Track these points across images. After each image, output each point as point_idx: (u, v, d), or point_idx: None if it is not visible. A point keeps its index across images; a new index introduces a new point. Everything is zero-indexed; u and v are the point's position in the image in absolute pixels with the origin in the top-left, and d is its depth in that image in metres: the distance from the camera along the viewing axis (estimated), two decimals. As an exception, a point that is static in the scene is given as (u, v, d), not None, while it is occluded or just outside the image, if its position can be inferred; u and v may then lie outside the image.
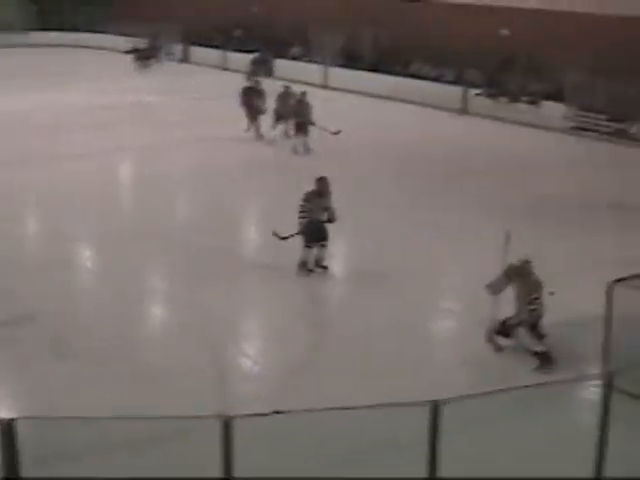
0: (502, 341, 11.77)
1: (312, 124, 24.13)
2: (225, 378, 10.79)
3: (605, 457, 6.81)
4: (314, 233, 14.53)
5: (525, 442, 9.37)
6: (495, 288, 11.89)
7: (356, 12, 36.98)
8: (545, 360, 11.47)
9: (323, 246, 14.70)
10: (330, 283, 14.83)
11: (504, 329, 11.86)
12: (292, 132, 25.02)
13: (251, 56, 38.81)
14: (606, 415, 6.71)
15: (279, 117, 25.57)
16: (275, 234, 14.64)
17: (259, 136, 25.74)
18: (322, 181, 14.64)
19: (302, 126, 24.15)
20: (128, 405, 9.64)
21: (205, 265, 15.11)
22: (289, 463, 8.63)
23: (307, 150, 24.16)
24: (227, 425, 6.37)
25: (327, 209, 14.57)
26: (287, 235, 14.48)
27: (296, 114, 24.51)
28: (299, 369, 11.42)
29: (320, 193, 14.54)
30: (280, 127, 25.63)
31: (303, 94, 24.72)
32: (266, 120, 25.59)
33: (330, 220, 14.63)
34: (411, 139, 26.35)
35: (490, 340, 11.87)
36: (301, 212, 14.51)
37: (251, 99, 25.93)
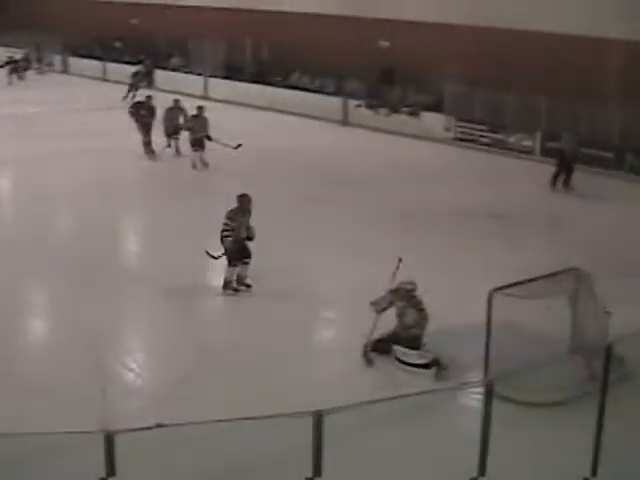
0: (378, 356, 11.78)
1: (209, 139, 23.65)
2: (108, 393, 10.50)
3: (486, 462, 6.83)
4: (239, 251, 14.27)
5: (408, 450, 9.41)
6: (379, 306, 11.95)
7: (236, 24, 36.84)
8: (437, 365, 11.54)
9: (246, 264, 14.42)
10: (211, 297, 14.69)
11: (380, 346, 11.91)
12: (181, 148, 24.83)
13: (133, 68, 37.99)
14: (487, 421, 6.72)
15: (168, 133, 24.95)
16: (208, 253, 14.30)
17: (150, 151, 25.00)
18: (244, 198, 14.35)
19: (198, 141, 23.69)
20: (9, 421, 9.30)
21: (88, 280, 14.85)
22: (173, 477, 8.46)
23: (205, 165, 23.76)
24: (109, 439, 6.19)
25: (248, 227, 14.29)
26: (218, 255, 14.17)
27: (192, 129, 23.90)
28: (183, 383, 11.26)
29: (243, 210, 14.25)
30: (172, 142, 25.04)
31: (200, 109, 24.28)
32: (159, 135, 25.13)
33: (250, 238, 14.35)
34: (291, 150, 26.36)
35: (364, 355, 11.88)
36: (225, 230, 14.15)
37: (139, 114, 25.33)
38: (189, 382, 11.26)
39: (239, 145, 23.23)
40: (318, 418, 6.12)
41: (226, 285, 14.38)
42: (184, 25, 39.05)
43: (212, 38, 37.33)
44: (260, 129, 29.28)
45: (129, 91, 35.09)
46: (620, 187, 22.36)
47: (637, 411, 9.49)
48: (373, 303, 12.00)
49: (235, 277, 14.40)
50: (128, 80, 36.24)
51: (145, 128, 25.04)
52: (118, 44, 43.33)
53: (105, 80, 41.67)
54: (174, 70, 39.69)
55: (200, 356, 12.04)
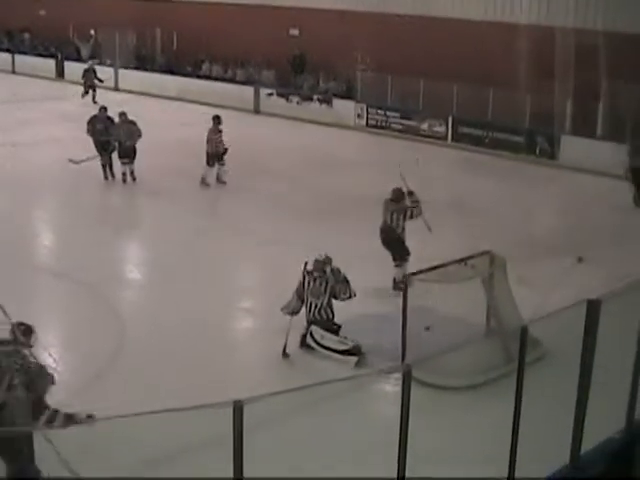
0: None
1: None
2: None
3: (407, 446, 6.88)
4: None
5: (329, 436, 9.46)
6: (288, 309, 11.98)
7: (145, 14, 36.46)
8: (358, 352, 11.62)
9: None
10: (129, 289, 14.60)
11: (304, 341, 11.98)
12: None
13: (85, 65, 35.12)
14: (406, 407, 6.78)
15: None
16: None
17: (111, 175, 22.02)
18: None
19: (128, 151, 21.42)
20: None
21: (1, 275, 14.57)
22: (97, 471, 8.38)
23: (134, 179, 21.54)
24: (29, 435, 6.12)
25: None
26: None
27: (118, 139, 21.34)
28: (102, 376, 11.15)
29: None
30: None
31: (123, 115, 21.64)
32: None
33: None
34: (201, 140, 26.13)
35: (284, 354, 11.84)
36: None
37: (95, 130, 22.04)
38: (108, 376, 11.18)
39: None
40: (238, 407, 6.11)
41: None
42: (93, 16, 38.48)
43: (122, 29, 36.91)
44: (171, 120, 29.08)
45: (86, 92, 33.37)
46: (531, 169, 22.74)
47: (554, 391, 9.64)
48: (283, 308, 12.02)
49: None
50: (78, 78, 34.27)
51: (102, 147, 21.46)
52: (27, 36, 42.52)
53: (14, 73, 40.82)
54: (85, 61, 39.10)
55: (119, 349, 11.94)
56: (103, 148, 21.29)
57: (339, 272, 11.94)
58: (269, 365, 11.57)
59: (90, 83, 33.27)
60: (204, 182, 20.81)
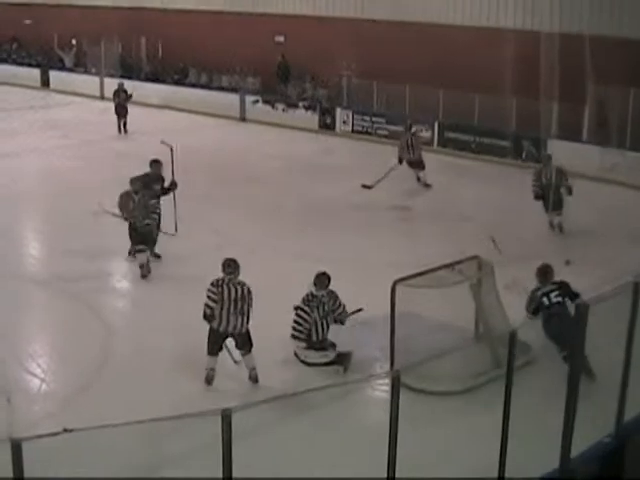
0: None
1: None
2: (12, 399, 10.31)
3: (396, 451, 6.87)
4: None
5: (319, 442, 9.45)
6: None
7: (130, 22, 36.40)
8: (344, 360, 11.60)
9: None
10: (115, 299, 14.56)
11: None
12: None
13: (114, 85, 30.93)
14: (395, 413, 6.77)
15: None
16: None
17: None
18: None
19: None
20: None
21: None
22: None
23: None
24: (16, 448, 6.06)
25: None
26: None
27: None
28: (88, 386, 11.12)
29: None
30: None
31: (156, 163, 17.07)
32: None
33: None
34: (187, 148, 26.07)
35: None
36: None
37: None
38: (94, 386, 11.13)
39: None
40: (227, 416, 6.09)
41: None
42: (78, 25, 38.42)
43: (107, 37, 36.84)
44: (157, 128, 29.01)
45: (119, 118, 29.03)
46: (518, 174, 22.75)
47: (543, 396, 9.65)
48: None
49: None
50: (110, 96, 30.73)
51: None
52: (15, 46, 42.41)
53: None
54: (69, 70, 39.09)
55: (105, 359, 11.90)
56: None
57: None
58: (259, 373, 11.52)
59: (120, 108, 28.97)
60: None
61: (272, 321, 12.03)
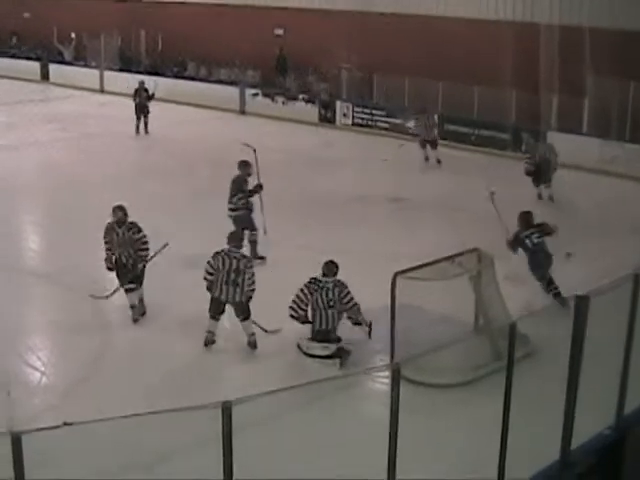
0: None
1: None
2: (12, 392, 10.31)
3: (397, 444, 6.87)
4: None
5: (319, 435, 9.46)
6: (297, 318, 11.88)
7: (130, 16, 36.34)
8: (343, 354, 11.61)
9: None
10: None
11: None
12: None
13: (135, 83, 29.08)
14: (395, 405, 6.77)
15: None
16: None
17: None
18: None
19: None
20: None
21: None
22: (85, 475, 8.35)
23: None
24: (16, 441, 6.06)
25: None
26: None
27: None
28: (88, 379, 11.11)
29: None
30: None
31: None
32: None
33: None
34: (187, 141, 26.15)
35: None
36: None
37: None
38: (94, 378, 11.14)
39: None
40: (227, 408, 6.09)
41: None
42: (77, 18, 38.35)
43: (107, 31, 36.78)
44: (157, 121, 28.99)
45: (138, 118, 27.72)
46: (518, 166, 22.71)
47: (543, 388, 9.64)
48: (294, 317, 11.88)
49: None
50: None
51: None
52: (14, 39, 42.34)
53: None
54: (69, 64, 39.02)
55: (104, 351, 11.90)
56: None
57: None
58: (260, 366, 11.54)
59: (142, 108, 27.61)
60: None
61: (276, 312, 12.08)
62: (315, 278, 11.81)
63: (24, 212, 19.83)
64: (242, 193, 15.59)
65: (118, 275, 13.21)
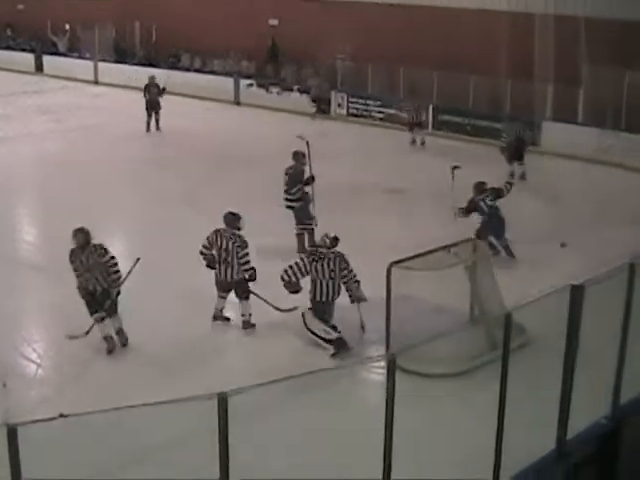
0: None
1: None
2: (8, 384, 10.29)
3: (392, 434, 6.87)
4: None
5: (316, 426, 9.46)
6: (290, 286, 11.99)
7: (125, 7, 36.23)
8: (339, 346, 11.60)
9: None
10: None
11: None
12: None
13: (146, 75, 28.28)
14: (391, 396, 6.77)
15: None
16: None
17: None
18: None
19: None
20: None
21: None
22: (81, 467, 8.35)
23: None
24: (12, 433, 6.05)
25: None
26: None
27: None
28: (85, 371, 11.10)
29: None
30: None
31: None
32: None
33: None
34: (183, 132, 26.08)
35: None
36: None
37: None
38: (90, 370, 11.13)
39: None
40: (223, 400, 6.09)
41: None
42: (71, 10, 38.24)
43: (101, 22, 36.71)
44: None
45: (149, 115, 26.63)
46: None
47: (539, 377, 9.65)
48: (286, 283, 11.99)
49: None
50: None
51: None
52: (9, 31, 42.24)
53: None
54: (63, 55, 38.96)
55: (101, 343, 11.87)
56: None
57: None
58: (256, 357, 11.55)
59: (153, 104, 26.54)
60: None
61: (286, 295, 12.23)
62: (316, 248, 12.02)
63: (18, 203, 19.78)
64: (300, 184, 15.84)
65: (87, 304, 11.78)
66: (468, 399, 10.05)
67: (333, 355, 11.53)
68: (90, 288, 11.65)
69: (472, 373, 10.71)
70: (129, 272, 12.02)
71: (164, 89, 26.56)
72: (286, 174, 15.90)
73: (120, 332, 11.92)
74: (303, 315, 11.90)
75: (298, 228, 15.64)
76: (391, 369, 6.76)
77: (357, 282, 12.02)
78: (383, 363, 7.08)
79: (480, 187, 15.15)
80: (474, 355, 10.90)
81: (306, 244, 15.22)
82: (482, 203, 15.01)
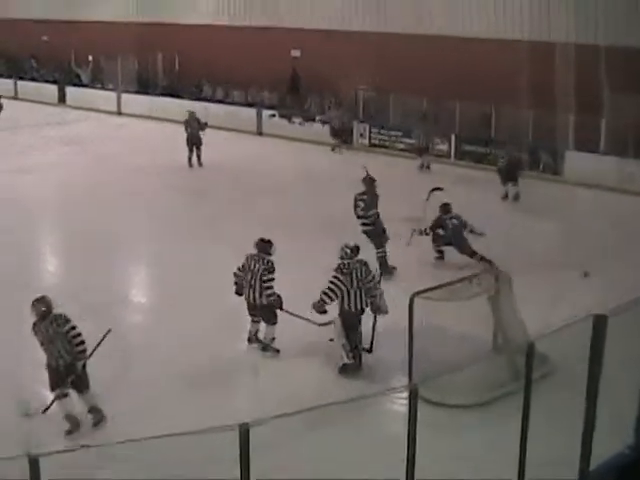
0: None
1: None
2: (28, 414, 10.29)
3: (414, 465, 6.84)
4: None
5: (338, 456, 9.41)
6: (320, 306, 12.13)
7: (147, 38, 36.43)
8: (348, 369, 11.82)
9: None
10: (133, 311, 14.60)
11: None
12: None
13: (184, 105, 30.76)
14: (413, 426, 6.74)
15: None
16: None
17: None
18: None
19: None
20: None
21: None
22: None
23: None
24: (34, 464, 6.06)
25: None
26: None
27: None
28: (106, 400, 11.04)
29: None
30: None
31: None
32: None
33: None
34: (206, 163, 26.15)
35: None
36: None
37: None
38: (111, 400, 11.09)
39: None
40: (244, 430, 6.08)
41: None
42: (95, 41, 38.56)
43: (124, 53, 36.95)
44: (175, 143, 29.08)
45: (191, 150, 26.36)
46: (536, 185, 22.64)
47: (562, 407, 9.59)
48: (315, 304, 12.14)
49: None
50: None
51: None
52: (34, 62, 42.61)
53: (16, 99, 40.63)
54: (86, 86, 39.26)
55: (123, 372, 11.88)
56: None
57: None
58: (277, 385, 11.53)
59: (194, 139, 26.28)
60: None
61: (298, 327, 12.40)
62: (342, 263, 12.14)
63: (40, 233, 19.89)
64: (375, 209, 16.35)
65: (49, 378, 10.67)
66: (490, 429, 9.99)
67: (340, 372, 11.81)
68: (53, 364, 10.55)
69: (494, 403, 10.64)
70: (98, 344, 10.84)
71: (205, 124, 26.23)
72: (361, 200, 16.30)
73: (93, 410, 10.66)
74: (333, 322, 12.10)
75: (380, 252, 15.94)
76: (413, 400, 6.74)
77: (381, 290, 12.26)
78: (405, 394, 7.04)
79: (445, 208, 16.90)
80: (496, 385, 10.84)
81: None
82: (448, 221, 16.69)
